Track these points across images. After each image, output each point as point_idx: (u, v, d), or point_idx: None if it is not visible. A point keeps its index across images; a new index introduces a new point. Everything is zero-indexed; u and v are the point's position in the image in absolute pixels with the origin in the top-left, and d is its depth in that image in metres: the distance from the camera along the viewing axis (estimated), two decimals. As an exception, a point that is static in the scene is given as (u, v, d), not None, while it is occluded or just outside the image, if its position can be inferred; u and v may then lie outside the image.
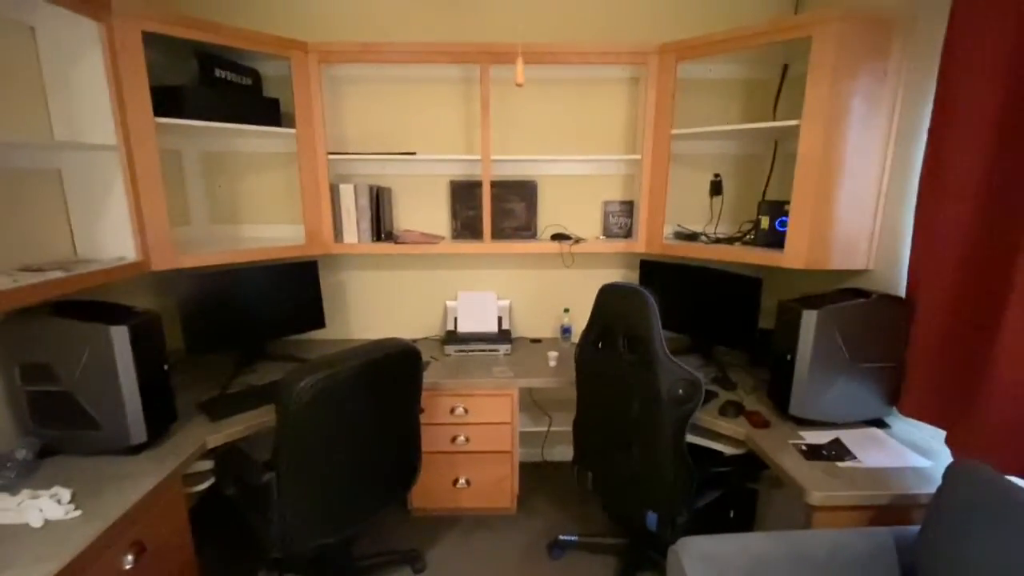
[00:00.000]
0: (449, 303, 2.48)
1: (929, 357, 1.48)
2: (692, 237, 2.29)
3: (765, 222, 2.00)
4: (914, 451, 1.47)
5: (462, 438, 2.09)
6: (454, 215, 2.41)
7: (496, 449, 2.11)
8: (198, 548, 1.52)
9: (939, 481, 1.30)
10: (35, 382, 1.37)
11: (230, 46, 1.83)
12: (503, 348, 2.31)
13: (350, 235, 2.24)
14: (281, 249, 2.08)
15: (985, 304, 1.29)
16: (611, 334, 1.65)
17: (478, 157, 2.17)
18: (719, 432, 1.73)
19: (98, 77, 1.56)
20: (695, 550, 1.17)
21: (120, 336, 1.36)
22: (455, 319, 2.43)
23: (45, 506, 1.15)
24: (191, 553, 1.48)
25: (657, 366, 1.51)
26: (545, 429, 2.67)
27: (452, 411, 2.07)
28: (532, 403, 2.65)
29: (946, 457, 1.42)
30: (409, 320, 2.58)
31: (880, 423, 1.65)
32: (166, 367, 1.54)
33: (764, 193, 2.35)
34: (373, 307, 2.55)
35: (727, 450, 1.78)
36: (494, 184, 2.29)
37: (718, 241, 2.20)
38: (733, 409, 1.75)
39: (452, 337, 2.35)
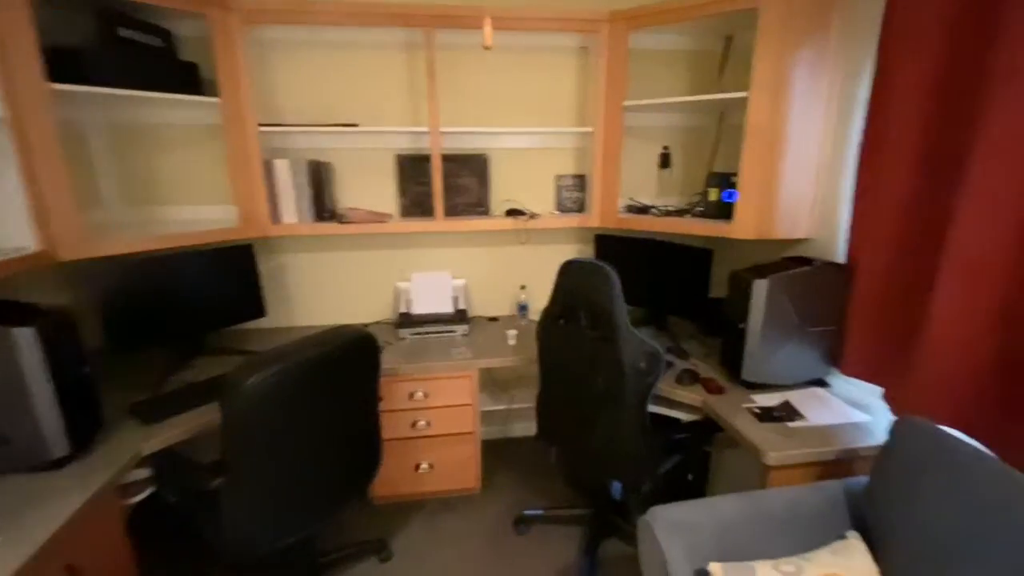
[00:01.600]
0: (400, 284, 2.39)
1: (867, 319, 1.59)
2: (644, 210, 2.32)
3: (714, 194, 2.04)
4: (854, 407, 1.58)
5: (423, 423, 2.05)
6: (402, 191, 2.31)
7: (458, 431, 2.09)
8: (140, 562, 1.40)
9: (878, 434, 1.42)
10: (-78, 397, 1.18)
11: (134, 1, 1.60)
12: (460, 329, 2.27)
13: (288, 215, 2.10)
14: (211, 233, 1.90)
15: (920, 269, 1.39)
16: (574, 310, 1.64)
17: (426, 129, 2.07)
18: (676, 400, 1.79)
19: (-29, 34, 1.31)
20: (665, 518, 1.20)
21: (26, 339, 1.19)
22: (408, 301, 2.35)
23: (-50, 539, 1.00)
24: (132, 571, 1.36)
25: (620, 340, 1.52)
26: (505, 407, 2.67)
27: (411, 396, 2.01)
28: (491, 381, 2.64)
29: (883, 412, 1.54)
30: (358, 304, 2.47)
31: (822, 383, 1.76)
32: (86, 370, 1.38)
33: (711, 165, 2.41)
34: (318, 292, 2.42)
35: (684, 417, 1.85)
36: (444, 158, 2.20)
37: (669, 214, 2.24)
38: (689, 377, 1.81)
39: (406, 320, 2.27)
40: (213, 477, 1.31)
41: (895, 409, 1.46)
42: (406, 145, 2.28)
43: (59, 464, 1.28)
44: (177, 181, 2.14)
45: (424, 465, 2.10)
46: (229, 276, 2.09)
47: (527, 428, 2.77)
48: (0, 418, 1.21)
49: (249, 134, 1.93)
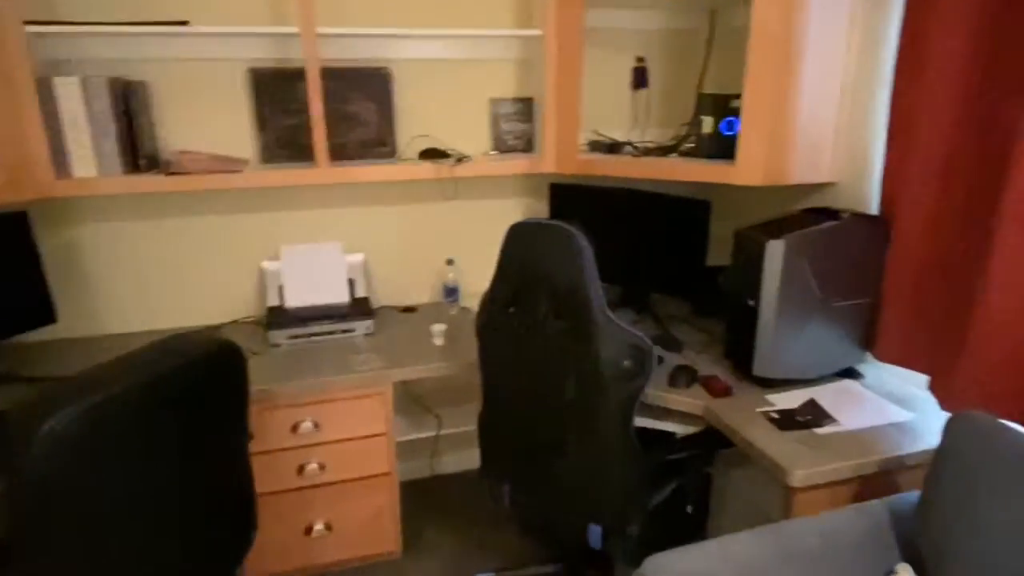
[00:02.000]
0: (267, 265, 2.32)
1: (908, 289, 1.72)
2: (614, 148, 2.36)
3: (708, 124, 2.11)
4: (894, 403, 1.73)
5: (313, 466, 2.01)
6: (261, 125, 2.22)
7: (366, 474, 2.09)
8: None
9: (928, 437, 1.56)
10: None
11: None
12: (362, 326, 2.24)
13: (83, 165, 1.99)
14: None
15: (973, 222, 1.52)
16: (529, 292, 1.66)
17: (295, 30, 1.99)
18: (669, 408, 1.87)
19: None
20: (667, 569, 1.26)
21: None
22: (281, 288, 2.28)
23: None
24: None
25: (595, 332, 1.56)
26: (432, 433, 2.67)
27: (295, 429, 1.97)
28: (410, 400, 2.63)
29: (931, 407, 1.69)
30: (203, 297, 2.38)
31: (854, 373, 1.91)
32: None
33: (701, 84, 2.49)
34: (137, 281, 2.30)
35: (680, 429, 1.94)
36: (325, 74, 2.11)
37: (648, 152, 2.29)
38: (686, 376, 1.89)
39: (280, 317, 2.21)
40: (-8, 572, 1.22)
41: (945, 403, 1.61)
42: (265, 54, 2.20)
43: None
44: None
45: (319, 526, 2.08)
46: (-10, 262, 1.92)
47: (464, 460, 2.81)
48: None
49: (8, 37, 1.76)
